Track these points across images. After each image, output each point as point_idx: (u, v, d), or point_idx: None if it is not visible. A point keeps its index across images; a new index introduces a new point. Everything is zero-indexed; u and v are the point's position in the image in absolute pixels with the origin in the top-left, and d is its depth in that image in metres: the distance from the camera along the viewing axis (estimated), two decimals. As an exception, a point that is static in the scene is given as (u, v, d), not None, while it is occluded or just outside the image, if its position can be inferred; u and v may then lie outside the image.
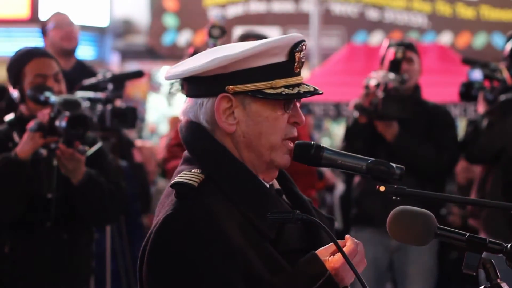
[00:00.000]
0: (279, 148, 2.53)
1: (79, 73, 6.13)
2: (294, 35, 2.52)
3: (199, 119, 2.54)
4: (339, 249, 2.37)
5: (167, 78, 2.60)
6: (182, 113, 2.59)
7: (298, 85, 2.52)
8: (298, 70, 2.53)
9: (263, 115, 2.50)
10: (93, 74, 6.20)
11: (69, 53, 6.39)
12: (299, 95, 2.50)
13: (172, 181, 2.47)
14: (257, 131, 2.51)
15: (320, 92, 2.56)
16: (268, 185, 2.58)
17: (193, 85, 2.54)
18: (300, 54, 2.51)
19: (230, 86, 2.47)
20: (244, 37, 5.55)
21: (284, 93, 2.47)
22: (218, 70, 2.46)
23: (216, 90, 2.49)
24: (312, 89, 2.53)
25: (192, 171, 2.49)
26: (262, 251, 2.42)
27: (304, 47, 2.53)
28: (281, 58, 2.49)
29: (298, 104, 2.58)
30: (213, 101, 2.50)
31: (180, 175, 2.48)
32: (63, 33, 6.43)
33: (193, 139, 2.55)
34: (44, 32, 6.59)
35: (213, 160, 2.51)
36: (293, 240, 2.49)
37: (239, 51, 2.45)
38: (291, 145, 2.56)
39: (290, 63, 2.50)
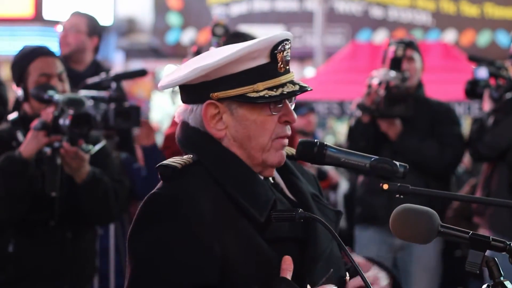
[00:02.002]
0: (271, 148, 2.54)
1: (93, 73, 6.12)
2: (273, 36, 2.50)
3: (191, 124, 2.58)
4: (341, 246, 2.36)
5: (161, 88, 2.63)
6: (176, 115, 2.63)
7: (283, 85, 2.52)
8: (284, 69, 2.53)
9: (250, 119, 2.52)
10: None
11: (67, 57, 6.36)
12: (282, 96, 2.50)
13: (158, 164, 2.54)
14: (246, 135, 2.53)
15: (309, 89, 2.55)
16: (261, 178, 2.59)
17: (183, 92, 2.59)
18: (282, 54, 2.51)
19: (214, 93, 2.50)
20: (236, 36, 5.52)
21: (267, 95, 2.48)
22: (201, 78, 2.50)
23: (202, 98, 2.52)
24: (297, 88, 2.53)
25: (184, 156, 2.55)
26: (244, 236, 2.43)
27: (287, 46, 2.52)
28: (263, 60, 2.49)
29: (290, 103, 2.57)
30: (201, 108, 2.54)
31: (169, 159, 2.54)
32: (60, 38, 6.43)
33: (185, 137, 2.60)
34: None
35: (202, 148, 2.55)
36: (283, 229, 2.49)
37: (216, 59, 2.46)
38: (285, 141, 2.57)
39: (273, 64, 2.50)
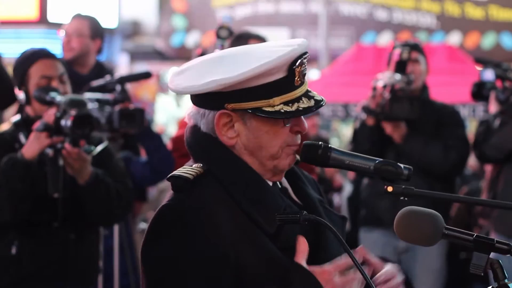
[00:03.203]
0: (281, 155, 2.53)
1: (96, 76, 6.12)
2: (293, 51, 2.46)
3: (202, 128, 2.56)
4: (347, 251, 2.36)
5: (171, 89, 2.59)
6: (187, 117, 2.61)
7: (298, 99, 2.49)
8: (300, 82, 2.51)
9: (263, 130, 2.50)
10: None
11: (71, 61, 6.37)
12: (298, 113, 2.48)
13: (169, 174, 2.51)
14: (258, 145, 2.51)
15: (322, 104, 2.54)
16: (271, 183, 2.58)
17: (196, 96, 2.56)
18: (300, 68, 2.49)
19: (229, 105, 2.48)
20: (239, 38, 5.53)
21: (282, 110, 2.46)
22: (216, 90, 2.46)
23: (215, 105, 2.50)
24: (312, 104, 2.51)
25: (193, 165, 2.53)
26: (258, 245, 2.43)
27: (305, 60, 2.50)
28: (280, 74, 2.46)
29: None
30: (213, 115, 2.51)
31: (179, 168, 2.52)
32: (63, 43, 6.44)
33: (196, 143, 2.58)
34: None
35: (213, 155, 2.54)
36: (295, 236, 2.48)
37: (236, 74, 2.43)
38: (295, 147, 2.56)
39: (290, 77, 2.48)
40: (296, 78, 2.49)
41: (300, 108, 2.49)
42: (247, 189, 2.50)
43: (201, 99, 2.54)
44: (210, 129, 2.54)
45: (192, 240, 2.40)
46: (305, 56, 2.50)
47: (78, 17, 6.59)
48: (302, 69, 2.50)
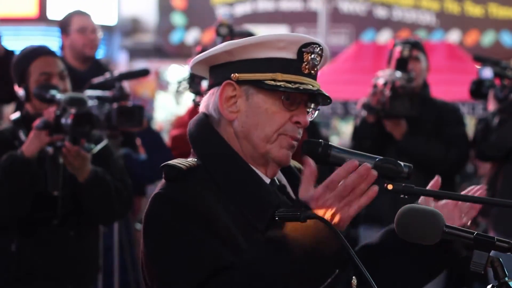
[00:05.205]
0: (276, 141, 2.56)
1: (94, 73, 6.13)
2: (305, 36, 2.55)
3: (209, 109, 2.62)
4: (347, 248, 2.35)
5: (191, 64, 2.68)
6: (202, 102, 2.67)
7: (302, 83, 2.53)
8: (309, 71, 2.55)
9: (262, 107, 2.54)
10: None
11: (89, 59, 6.40)
12: (297, 90, 2.51)
13: (163, 164, 2.54)
14: (255, 122, 2.55)
15: (325, 93, 2.56)
16: (268, 180, 2.59)
17: (210, 76, 2.64)
18: (310, 56, 2.54)
19: (235, 74, 2.53)
20: (237, 36, 5.55)
21: (283, 86, 2.51)
22: (226, 58, 2.55)
23: (224, 78, 2.56)
24: (315, 89, 2.54)
25: (189, 159, 2.56)
26: (250, 238, 2.43)
27: (317, 49, 2.55)
28: (289, 55, 2.53)
29: (308, 109, 2.59)
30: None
31: (174, 160, 2.55)
32: (86, 40, 6.42)
33: (195, 131, 2.62)
34: (64, 31, 6.55)
35: (207, 149, 2.58)
36: None
37: (245, 39, 2.51)
38: (292, 141, 2.57)
39: (298, 62, 2.53)
40: (304, 64, 2.54)
41: (301, 88, 2.52)
42: (239, 184, 2.51)
43: (214, 76, 2.61)
44: (216, 107, 2.58)
45: (181, 228, 2.41)
46: (318, 45, 2.55)
47: (84, 14, 6.60)
48: (312, 57, 2.55)
